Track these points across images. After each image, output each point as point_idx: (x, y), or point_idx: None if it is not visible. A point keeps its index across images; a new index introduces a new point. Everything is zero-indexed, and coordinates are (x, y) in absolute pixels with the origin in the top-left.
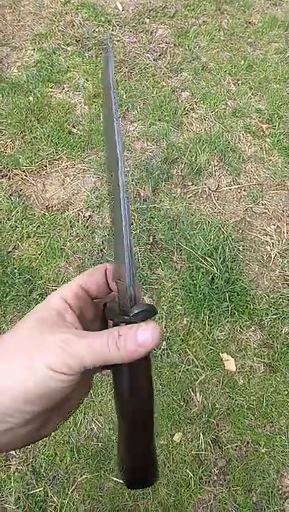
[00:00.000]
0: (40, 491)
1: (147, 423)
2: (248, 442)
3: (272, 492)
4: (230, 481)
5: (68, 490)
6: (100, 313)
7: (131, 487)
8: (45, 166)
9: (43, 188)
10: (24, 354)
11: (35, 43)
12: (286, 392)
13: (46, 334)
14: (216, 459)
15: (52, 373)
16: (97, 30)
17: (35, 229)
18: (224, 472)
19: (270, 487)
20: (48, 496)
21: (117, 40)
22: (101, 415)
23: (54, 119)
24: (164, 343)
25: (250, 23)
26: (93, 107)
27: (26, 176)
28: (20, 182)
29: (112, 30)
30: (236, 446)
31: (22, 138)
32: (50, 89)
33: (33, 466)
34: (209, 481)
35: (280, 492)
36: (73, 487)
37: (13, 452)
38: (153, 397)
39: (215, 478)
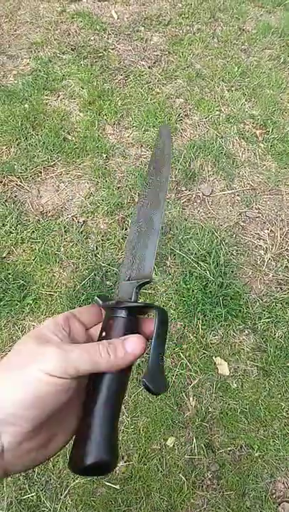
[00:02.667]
0: (32, 496)
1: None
2: (241, 446)
3: (265, 496)
4: (224, 485)
5: (61, 495)
6: (90, 339)
7: (83, 473)
8: (40, 173)
9: (37, 194)
10: (23, 364)
11: (32, 51)
12: (279, 396)
13: (42, 346)
14: (209, 464)
15: (48, 378)
16: (92, 38)
17: (29, 234)
18: (217, 476)
19: (263, 491)
20: (40, 501)
21: (112, 48)
22: None
23: (49, 126)
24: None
25: (244, 30)
26: (88, 114)
27: (21, 182)
28: (15, 188)
29: (108, 38)
30: (229, 451)
31: (17, 145)
32: (46, 97)
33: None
34: (202, 486)
35: (274, 496)
36: (66, 492)
37: None
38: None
39: (208, 482)
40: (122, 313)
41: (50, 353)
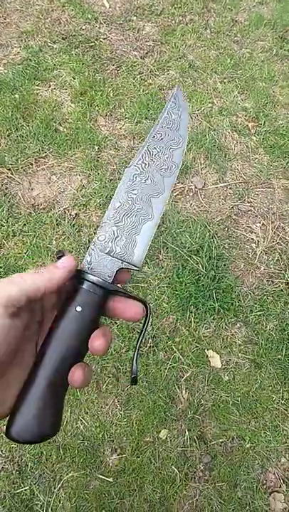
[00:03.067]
0: (26, 489)
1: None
2: (233, 438)
3: (256, 487)
4: (216, 476)
5: (54, 488)
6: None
7: (19, 438)
8: (32, 164)
9: (29, 186)
10: None
11: (22, 40)
12: (270, 388)
13: None
14: (201, 455)
15: None
16: (83, 27)
17: (20, 227)
18: (209, 468)
19: (254, 482)
20: (34, 494)
21: (104, 38)
22: (87, 413)
23: (40, 116)
24: (150, 340)
25: (236, 21)
26: (80, 104)
27: (12, 174)
28: (6, 180)
29: (99, 27)
30: (221, 442)
31: (8, 136)
32: (37, 87)
33: (19, 465)
34: (194, 477)
35: (265, 487)
36: (59, 485)
37: None
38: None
39: (200, 474)
40: (99, 291)
41: None
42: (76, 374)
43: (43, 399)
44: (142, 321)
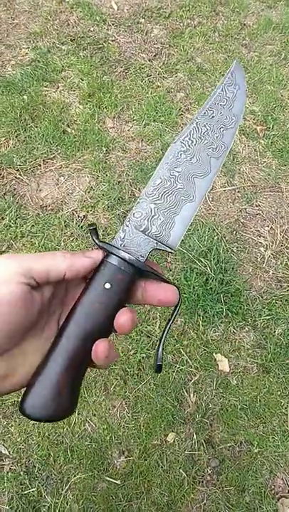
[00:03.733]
0: (33, 491)
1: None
2: (241, 442)
3: (264, 492)
4: (223, 481)
5: (62, 490)
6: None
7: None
8: (40, 166)
9: (37, 187)
10: None
11: (30, 41)
12: (279, 393)
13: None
14: (209, 459)
15: (2, 287)
16: (92, 29)
17: (29, 228)
18: (217, 472)
19: (262, 487)
20: (41, 496)
21: (112, 40)
22: (95, 415)
23: (49, 118)
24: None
25: (245, 24)
26: (88, 106)
27: (20, 175)
28: (14, 181)
29: (108, 29)
30: (229, 446)
31: (16, 137)
32: (45, 88)
33: (26, 466)
34: (202, 481)
35: (273, 492)
36: (67, 487)
37: (6, 452)
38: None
39: (208, 478)
40: (129, 269)
41: (1, 261)
42: (100, 347)
43: (61, 375)
44: (172, 309)
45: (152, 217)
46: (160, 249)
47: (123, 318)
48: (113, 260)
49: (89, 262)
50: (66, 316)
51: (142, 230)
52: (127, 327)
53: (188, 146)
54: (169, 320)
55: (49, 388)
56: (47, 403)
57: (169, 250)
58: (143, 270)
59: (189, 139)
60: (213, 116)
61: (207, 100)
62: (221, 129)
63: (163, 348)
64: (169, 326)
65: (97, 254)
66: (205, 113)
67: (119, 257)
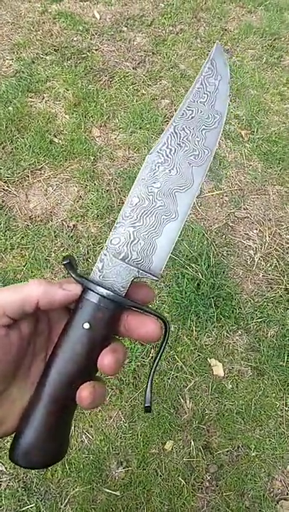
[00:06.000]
0: (32, 507)
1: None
2: (238, 447)
3: (264, 495)
4: (223, 486)
5: (61, 504)
6: None
7: (25, 463)
8: (28, 177)
9: (25, 198)
10: None
11: (14, 52)
12: (274, 395)
13: None
14: (207, 465)
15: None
16: (75, 39)
17: (19, 240)
18: (216, 478)
19: (261, 490)
20: (40, 511)
21: (96, 49)
22: (91, 427)
23: (35, 129)
24: (152, 350)
25: (226, 30)
26: (74, 116)
27: (8, 186)
28: (2, 193)
29: (91, 39)
30: (227, 451)
31: (3, 149)
32: (30, 99)
33: (24, 481)
34: (202, 488)
35: (272, 495)
36: (66, 501)
37: (3, 469)
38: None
39: (207, 484)
40: (109, 305)
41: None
42: (84, 393)
43: (47, 422)
44: (159, 342)
45: (132, 242)
46: (142, 277)
47: (106, 359)
48: (91, 297)
49: (63, 295)
50: (48, 358)
51: (121, 257)
52: (112, 369)
53: (166, 156)
54: (155, 358)
55: (36, 436)
56: (35, 451)
57: (152, 277)
58: (124, 304)
59: (167, 147)
60: (192, 117)
61: (185, 98)
62: (203, 131)
63: (151, 389)
64: (155, 364)
65: (75, 289)
66: (183, 114)
67: (97, 293)
